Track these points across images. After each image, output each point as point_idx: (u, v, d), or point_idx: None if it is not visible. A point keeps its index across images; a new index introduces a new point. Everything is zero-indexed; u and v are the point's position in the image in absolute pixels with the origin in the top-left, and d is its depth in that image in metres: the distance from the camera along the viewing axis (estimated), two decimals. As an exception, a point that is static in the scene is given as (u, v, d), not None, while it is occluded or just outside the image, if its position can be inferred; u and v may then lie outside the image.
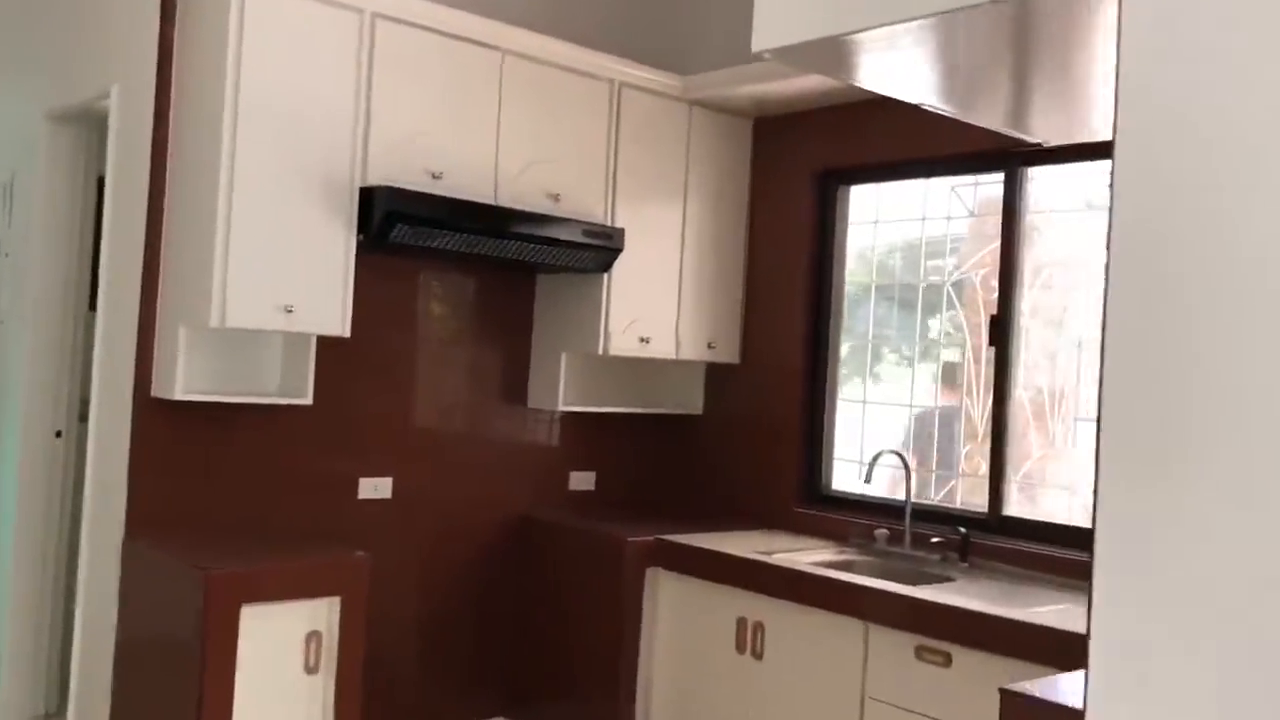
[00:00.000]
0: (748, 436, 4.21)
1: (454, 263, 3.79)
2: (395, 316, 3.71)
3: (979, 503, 3.71)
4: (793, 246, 4.12)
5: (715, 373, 4.32)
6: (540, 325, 4.04)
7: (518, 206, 3.52)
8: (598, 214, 3.78)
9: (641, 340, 3.92)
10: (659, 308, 4.00)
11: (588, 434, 4.20)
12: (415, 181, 3.30)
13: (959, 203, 4.02)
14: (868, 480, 3.54)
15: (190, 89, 3.15)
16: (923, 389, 3.92)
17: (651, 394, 4.31)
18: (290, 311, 3.07)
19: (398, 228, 3.18)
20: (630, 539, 3.65)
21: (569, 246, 3.58)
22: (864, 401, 4.04)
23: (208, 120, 3.04)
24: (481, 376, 3.96)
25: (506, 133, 3.55)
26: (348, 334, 3.22)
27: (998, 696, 2.72)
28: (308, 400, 3.28)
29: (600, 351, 3.83)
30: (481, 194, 3.47)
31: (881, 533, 3.67)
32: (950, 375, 3.94)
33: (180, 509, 3.24)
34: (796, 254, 4.11)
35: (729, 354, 4.23)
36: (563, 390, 3.93)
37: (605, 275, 3.81)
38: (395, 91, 3.29)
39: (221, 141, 2.98)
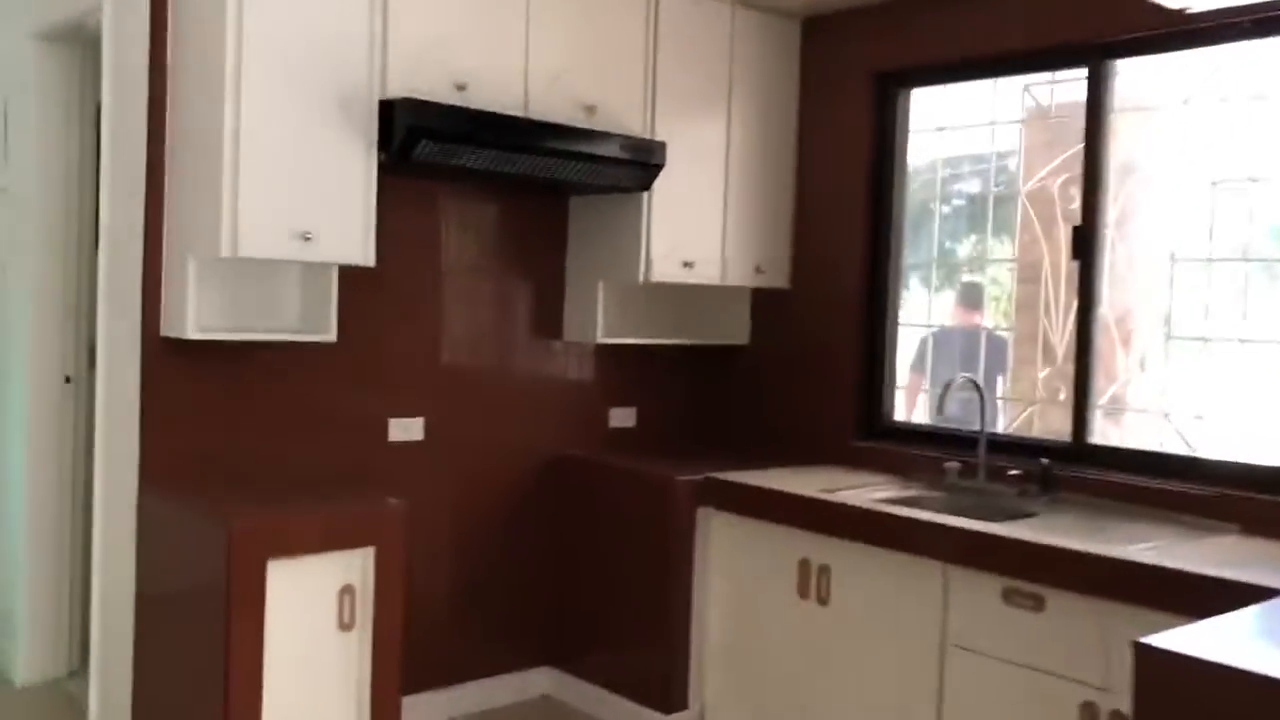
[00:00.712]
0: (800, 366, 3.97)
1: (481, 184, 3.53)
2: (420, 244, 3.47)
3: (1057, 430, 3.46)
4: (848, 159, 3.83)
5: (763, 299, 4.06)
6: (575, 252, 3.78)
7: (550, 119, 3.24)
8: (636, 127, 3.50)
9: (685, 265, 3.67)
10: (703, 229, 3.73)
11: (627, 368, 3.97)
12: (439, 93, 3.03)
13: (1028, 104, 3.72)
14: (940, 411, 3.29)
15: (191, 10, 2.88)
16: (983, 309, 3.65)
17: (694, 324, 4.07)
18: (308, 239, 2.83)
19: (422, 144, 2.92)
20: (679, 477, 3.43)
21: (607, 162, 3.31)
22: (929, 325, 3.78)
23: (209, 31, 2.77)
24: (513, 308, 3.72)
25: (536, 38, 3.26)
26: (372, 263, 2.98)
27: (1097, 643, 2.52)
28: (331, 337, 3.05)
29: (641, 279, 3.58)
30: (511, 106, 3.20)
31: (952, 466, 3.43)
32: (1022, 294, 3.68)
33: (198, 458, 3.04)
34: (852, 167, 3.82)
35: (778, 278, 3.97)
36: (601, 321, 3.69)
37: (645, 195, 3.55)
38: (414, -7, 3.01)
39: (226, 53, 2.72)
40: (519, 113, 3.21)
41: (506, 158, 3.11)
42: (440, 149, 2.97)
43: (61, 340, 3.72)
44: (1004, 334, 3.90)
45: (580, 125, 3.31)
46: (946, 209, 3.88)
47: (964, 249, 4.05)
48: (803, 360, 3.96)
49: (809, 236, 3.96)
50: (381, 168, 2.98)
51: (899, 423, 3.81)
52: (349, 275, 3.09)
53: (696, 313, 4.08)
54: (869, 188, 3.79)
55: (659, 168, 3.45)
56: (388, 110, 2.94)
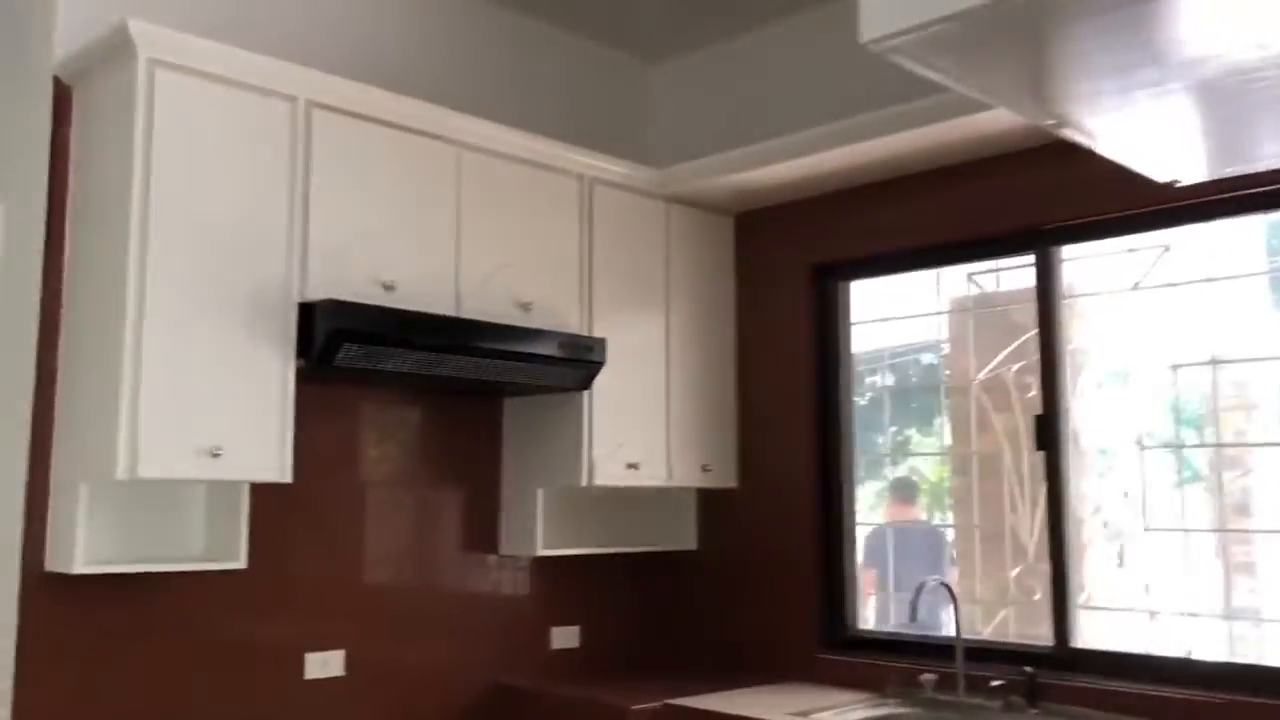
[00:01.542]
0: (754, 572, 3.74)
1: (406, 389, 3.33)
2: (339, 455, 3.22)
3: (1035, 634, 3.27)
4: (790, 352, 3.74)
5: (710, 501, 3.87)
6: (511, 458, 3.57)
7: (484, 318, 3.09)
8: (573, 324, 3.37)
9: (629, 467, 3.47)
10: (646, 428, 3.56)
11: (569, 582, 3.70)
12: (364, 294, 2.86)
13: (973, 290, 3.70)
14: (913, 618, 3.07)
15: (91, 201, 2.71)
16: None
17: (638, 531, 3.84)
18: (217, 455, 2.57)
19: (345, 348, 2.73)
20: (633, 707, 3.13)
21: (545, 361, 3.15)
22: (867, 524, 3.61)
23: (111, 235, 2.58)
24: (444, 521, 3.46)
25: (467, 236, 3.15)
26: (289, 478, 2.72)
27: None
28: (241, 563, 2.76)
29: (584, 482, 3.36)
30: (442, 305, 3.04)
31: (928, 678, 3.19)
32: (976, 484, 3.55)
33: (85, 710, 2.67)
34: (794, 360, 3.72)
35: (726, 477, 3.78)
36: (540, 532, 3.44)
37: (585, 394, 3.38)
38: (337, 192, 2.88)
39: (128, 258, 2.52)
40: (451, 311, 3.05)
41: (437, 359, 2.93)
42: (365, 353, 2.78)
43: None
44: (945, 528, 3.78)
45: (516, 324, 3.16)
46: (862, 401, 3.80)
47: (884, 440, 3.98)
48: (756, 565, 3.74)
49: (754, 432, 3.81)
50: (300, 374, 2.77)
51: (864, 631, 3.58)
52: (260, 493, 2.83)
53: (640, 519, 3.86)
54: (813, 380, 3.68)
55: (599, 365, 3.30)
56: (308, 313, 2.75)
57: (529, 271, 3.28)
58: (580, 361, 3.25)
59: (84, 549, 2.57)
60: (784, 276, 3.78)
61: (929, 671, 3.20)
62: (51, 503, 2.67)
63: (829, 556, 3.61)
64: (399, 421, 3.36)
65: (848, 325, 3.71)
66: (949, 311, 3.74)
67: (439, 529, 3.43)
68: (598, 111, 3.97)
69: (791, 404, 3.71)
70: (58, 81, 2.79)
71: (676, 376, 3.67)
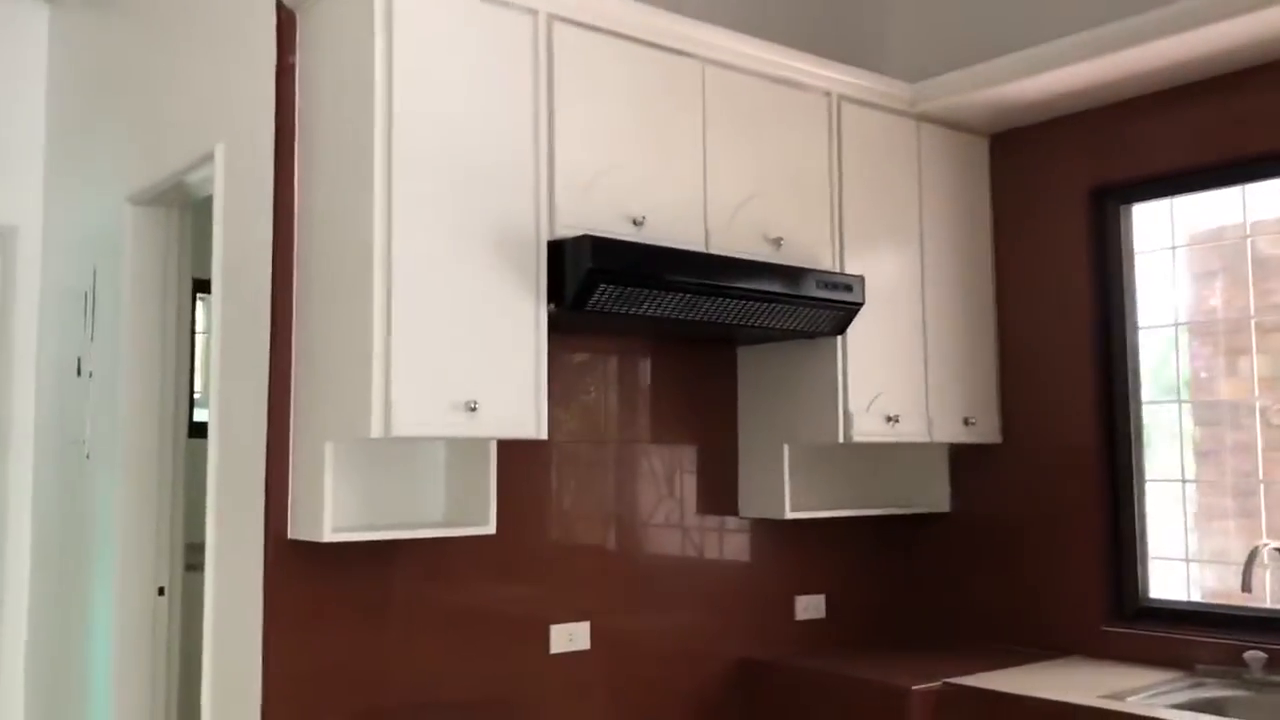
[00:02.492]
0: (1020, 537, 3.38)
1: (641, 338, 3.08)
2: (579, 412, 2.99)
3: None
4: (1062, 288, 3.34)
5: (964, 458, 3.51)
6: (750, 412, 3.28)
7: (735, 255, 2.80)
8: (825, 260, 3.05)
9: (889, 420, 3.14)
10: (904, 377, 3.23)
11: (813, 548, 3.41)
12: (613, 230, 2.60)
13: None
14: (1246, 588, 2.68)
15: (322, 136, 2.51)
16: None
17: (881, 491, 3.52)
18: (473, 410, 2.36)
19: (600, 290, 2.48)
20: (914, 686, 2.83)
21: (804, 303, 2.84)
22: (1183, 480, 3.21)
23: (352, 171, 2.37)
24: (683, 482, 3.20)
25: (714, 163, 2.85)
26: (544, 435, 2.50)
27: None
28: (490, 528, 2.55)
29: (840, 438, 3.06)
30: (690, 242, 2.76)
31: (1255, 655, 2.80)
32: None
33: (330, 679, 2.51)
34: (1068, 297, 3.33)
35: (989, 432, 3.43)
36: (788, 493, 3.15)
37: (839, 340, 3.07)
38: (581, 117, 2.62)
39: (373, 195, 2.30)
40: (699, 248, 2.77)
41: (691, 302, 2.65)
42: (621, 295, 2.52)
43: (155, 545, 3.26)
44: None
45: (772, 261, 2.86)
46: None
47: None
48: (1024, 528, 3.38)
49: (1018, 380, 3.44)
50: (549, 321, 2.52)
51: (1158, 601, 3.19)
52: (502, 453, 2.61)
53: (885, 477, 3.54)
54: (1092, 318, 3.28)
55: (858, 306, 2.98)
56: (558, 252, 2.51)
57: (778, 202, 2.97)
58: (839, 303, 2.93)
59: (331, 516, 2.40)
60: (1052, 203, 3.38)
61: (1255, 648, 2.81)
62: (293, 469, 2.50)
63: (1115, 517, 3.23)
64: (634, 373, 3.11)
65: (1131, 255, 3.30)
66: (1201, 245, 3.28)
67: (676, 490, 3.18)
68: (835, 20, 3.63)
69: (1065, 346, 3.32)
70: (280, 7, 2.59)
71: (933, 318, 3.32)
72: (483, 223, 2.43)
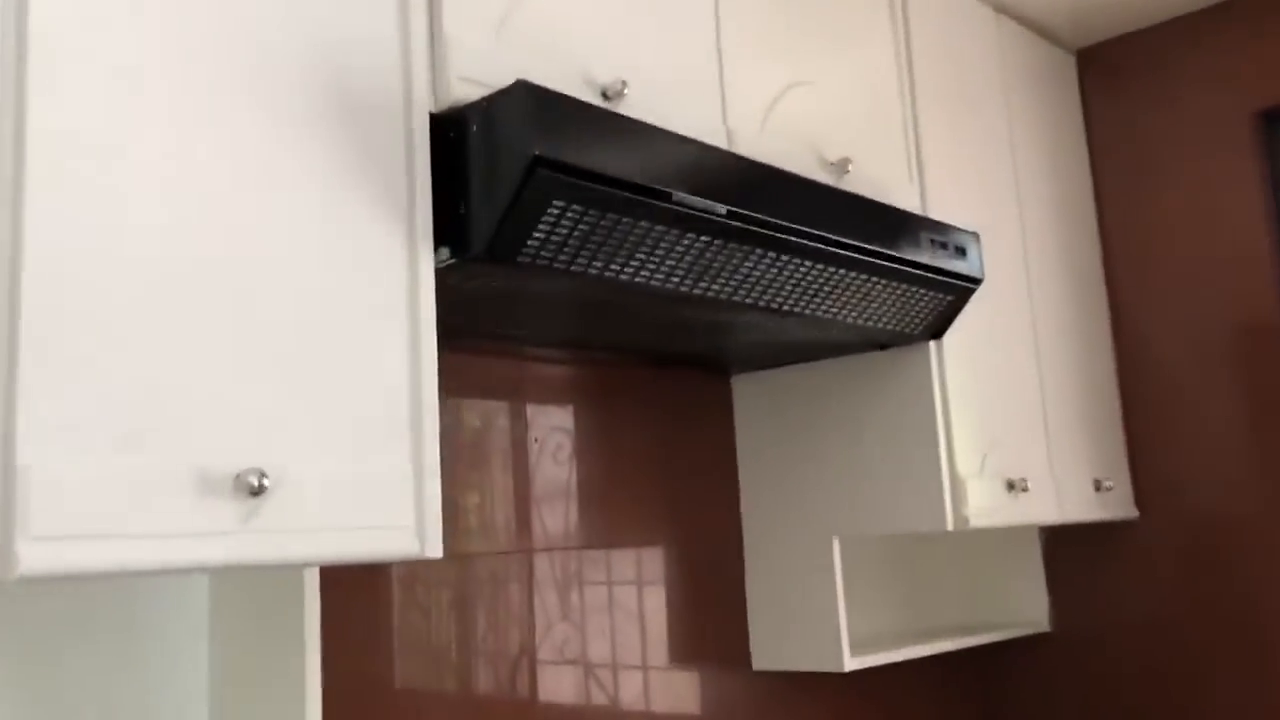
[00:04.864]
0: (1170, 667, 2.15)
1: (571, 349, 1.73)
2: (479, 492, 1.60)
3: None
4: (1216, 265, 2.18)
5: (1067, 545, 2.28)
6: (762, 484, 1.96)
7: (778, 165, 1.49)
8: (904, 200, 1.78)
9: (1010, 488, 1.87)
10: (1017, 416, 1.97)
11: (869, 701, 2.09)
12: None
13: None
14: None
15: None
16: None
17: (943, 604, 2.26)
18: (259, 494, 0.94)
19: (554, 210, 1.12)
20: None
21: (909, 277, 1.56)
22: None
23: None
24: (646, 618, 1.83)
25: (732, 18, 1.55)
26: (437, 551, 1.08)
27: None
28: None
29: (949, 524, 1.75)
30: (703, 137, 1.43)
31: None
32: None
33: None
34: (1228, 277, 2.17)
35: (1122, 500, 2.20)
36: (845, 625, 1.83)
37: (932, 349, 1.79)
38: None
39: None
40: (722, 143, 1.45)
41: (714, 253, 1.32)
42: (595, 227, 1.16)
43: None
44: None
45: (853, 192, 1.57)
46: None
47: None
48: (1179, 655, 2.15)
49: (1156, 413, 2.24)
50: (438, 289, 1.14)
51: None
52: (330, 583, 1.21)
53: (950, 585, 2.28)
54: (1276, 313, 2.12)
55: (975, 286, 1.71)
56: (454, 132, 1.14)
57: (831, 104, 1.69)
58: (952, 280, 1.66)
59: None
60: (1192, 137, 2.23)
61: None
62: None
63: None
64: (556, 419, 1.73)
65: (1331, 210, 2.16)
66: None
67: (644, 631, 1.81)
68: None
69: (1225, 357, 2.15)
70: None
71: (1043, 317, 2.10)
72: (277, 77, 1.04)
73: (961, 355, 1.82)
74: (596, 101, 1.28)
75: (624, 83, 1.29)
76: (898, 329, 1.68)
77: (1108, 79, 2.36)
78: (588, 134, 1.13)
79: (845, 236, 1.45)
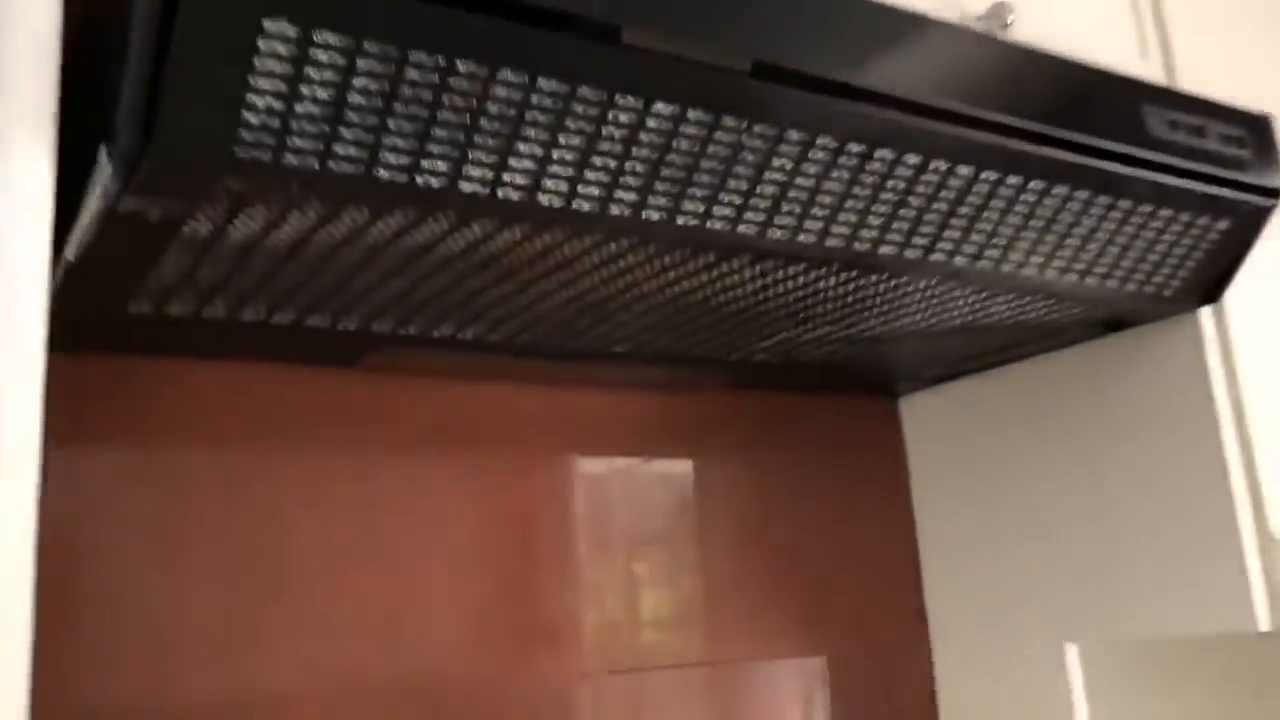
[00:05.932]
0: None
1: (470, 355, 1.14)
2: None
3: None
4: None
5: None
6: (947, 557, 1.28)
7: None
8: (1120, 62, 1.06)
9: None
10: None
11: None
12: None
13: None
14: None
15: None
16: None
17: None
18: None
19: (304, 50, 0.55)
20: None
21: (1150, 192, 0.88)
22: None
23: None
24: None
25: None
26: None
27: None
28: None
29: (1260, 622, 1.02)
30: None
31: None
32: None
33: None
34: None
35: None
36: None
37: (1207, 325, 1.07)
38: None
39: None
40: None
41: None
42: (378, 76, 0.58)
43: None
44: None
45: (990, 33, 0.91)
46: None
47: None
48: None
49: None
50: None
51: None
52: None
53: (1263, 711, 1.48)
54: None
55: (1274, 199, 0.99)
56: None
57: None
58: (1226, 188, 0.95)
59: None
60: None
61: None
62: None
63: None
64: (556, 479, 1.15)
65: None
66: None
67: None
68: None
69: None
70: None
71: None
72: None
73: (1260, 330, 1.09)
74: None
75: None
76: (1139, 289, 0.98)
77: None
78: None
79: (1024, 121, 0.79)
